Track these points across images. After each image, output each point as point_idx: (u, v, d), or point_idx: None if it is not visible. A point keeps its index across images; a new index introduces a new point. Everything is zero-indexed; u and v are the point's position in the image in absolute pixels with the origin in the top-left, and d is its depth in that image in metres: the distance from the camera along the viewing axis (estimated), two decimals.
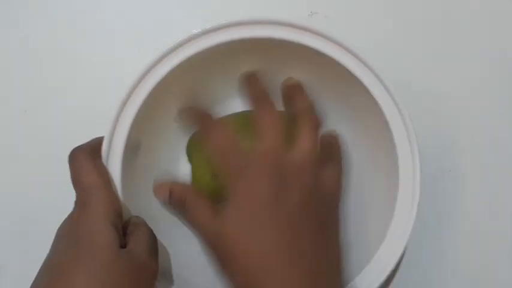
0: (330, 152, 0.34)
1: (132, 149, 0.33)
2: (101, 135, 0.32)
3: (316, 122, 0.33)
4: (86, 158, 0.30)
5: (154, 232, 0.31)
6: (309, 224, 0.29)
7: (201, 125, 0.33)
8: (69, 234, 0.28)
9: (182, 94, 0.35)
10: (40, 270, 0.27)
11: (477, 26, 0.41)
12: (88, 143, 0.32)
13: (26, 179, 0.39)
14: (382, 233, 0.32)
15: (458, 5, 0.41)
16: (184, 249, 0.34)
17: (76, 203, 0.30)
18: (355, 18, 0.41)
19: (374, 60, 0.32)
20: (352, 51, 0.32)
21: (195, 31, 0.32)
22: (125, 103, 0.32)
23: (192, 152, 0.36)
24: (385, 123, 0.32)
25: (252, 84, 0.34)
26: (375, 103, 0.32)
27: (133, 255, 0.28)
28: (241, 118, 0.35)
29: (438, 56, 0.41)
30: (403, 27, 0.41)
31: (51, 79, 0.40)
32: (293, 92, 0.34)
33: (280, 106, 0.35)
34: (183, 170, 0.37)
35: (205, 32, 0.32)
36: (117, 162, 0.31)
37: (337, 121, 0.36)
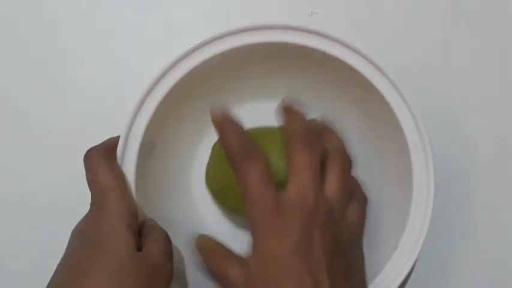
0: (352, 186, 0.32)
1: (147, 150, 0.32)
2: (115, 136, 0.32)
3: (348, 164, 0.31)
4: (101, 159, 0.30)
5: (169, 235, 0.31)
6: (339, 271, 0.28)
7: (236, 152, 0.29)
8: (85, 236, 0.28)
9: (197, 97, 0.35)
10: (56, 271, 0.27)
11: (480, 25, 0.41)
12: (103, 143, 0.32)
13: (32, 180, 0.38)
14: (394, 241, 0.32)
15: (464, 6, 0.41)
16: None
17: (92, 204, 0.29)
18: (355, 18, 0.41)
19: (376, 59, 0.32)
20: (370, 59, 0.32)
21: (211, 34, 0.32)
22: (140, 105, 0.32)
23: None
24: (400, 131, 0.32)
25: (291, 114, 0.31)
26: (388, 108, 0.32)
27: (149, 258, 0.28)
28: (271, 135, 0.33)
29: (443, 57, 0.40)
30: (405, 26, 0.41)
31: (57, 80, 0.40)
32: (323, 130, 0.33)
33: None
34: (198, 169, 0.37)
35: (221, 36, 0.32)
36: (131, 164, 0.31)
37: (350, 128, 0.36)
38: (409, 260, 0.31)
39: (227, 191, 0.32)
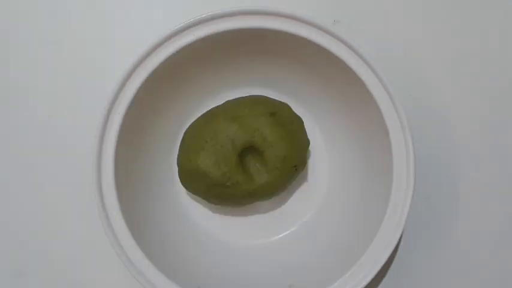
0: None
1: (129, 155, 0.32)
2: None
3: None
4: None
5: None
6: None
7: None
8: None
9: (170, 93, 0.35)
10: None
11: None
12: None
13: (47, 186, 0.38)
14: (373, 232, 0.31)
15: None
16: (185, 251, 0.34)
17: None
18: (378, 26, 0.40)
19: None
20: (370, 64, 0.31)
21: (180, 24, 0.31)
22: (110, 110, 0.31)
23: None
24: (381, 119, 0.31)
25: None
26: (374, 104, 0.31)
27: None
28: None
29: (451, 69, 0.40)
30: (425, 36, 0.40)
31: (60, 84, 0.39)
32: None
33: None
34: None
35: (187, 27, 0.31)
36: (109, 172, 0.31)
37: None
38: (396, 231, 0.31)
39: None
